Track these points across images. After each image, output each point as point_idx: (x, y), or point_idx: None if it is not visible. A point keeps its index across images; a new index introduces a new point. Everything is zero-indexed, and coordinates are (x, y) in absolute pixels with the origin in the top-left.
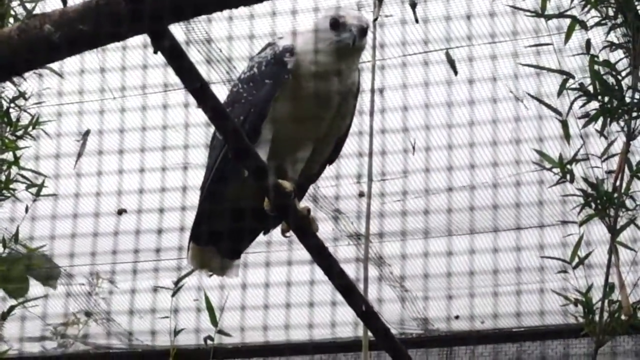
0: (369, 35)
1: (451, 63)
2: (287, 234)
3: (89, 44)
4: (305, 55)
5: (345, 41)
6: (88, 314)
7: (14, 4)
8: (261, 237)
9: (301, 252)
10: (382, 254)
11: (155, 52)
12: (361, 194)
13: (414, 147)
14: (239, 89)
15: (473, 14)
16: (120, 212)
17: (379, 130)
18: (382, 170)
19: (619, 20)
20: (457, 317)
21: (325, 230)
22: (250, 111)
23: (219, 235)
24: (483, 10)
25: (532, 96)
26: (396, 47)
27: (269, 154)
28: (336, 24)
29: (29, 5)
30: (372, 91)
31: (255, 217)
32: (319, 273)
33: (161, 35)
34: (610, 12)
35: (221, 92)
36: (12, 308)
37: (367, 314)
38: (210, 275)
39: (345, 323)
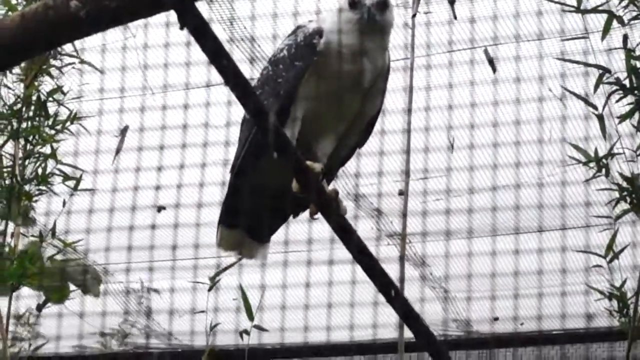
0: (396, 18)
1: (490, 61)
2: (315, 216)
3: (114, 20)
4: (332, 37)
5: (363, 17)
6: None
7: None
8: (303, 236)
9: (343, 252)
10: (423, 254)
11: (181, 29)
12: (400, 193)
13: (452, 145)
14: (269, 72)
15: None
16: (160, 209)
17: (421, 128)
18: (424, 167)
19: None
20: (496, 319)
21: (365, 229)
22: (279, 93)
23: (248, 218)
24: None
25: (568, 91)
26: (438, 47)
27: (298, 135)
28: (353, 3)
29: None
30: (411, 89)
31: (283, 199)
32: (361, 273)
33: (187, 11)
34: None
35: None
36: (46, 301)
37: (399, 301)
38: (240, 258)
39: (386, 324)
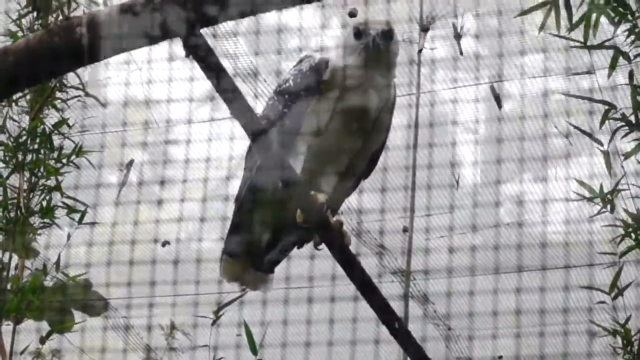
0: (400, 49)
1: (496, 97)
2: (320, 247)
3: (117, 49)
4: (339, 67)
5: (368, 45)
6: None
7: None
8: (306, 272)
9: (346, 287)
10: (426, 292)
11: (187, 56)
12: (405, 230)
13: (457, 182)
14: (275, 102)
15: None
16: (164, 244)
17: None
18: (427, 206)
19: None
20: (500, 358)
21: (369, 266)
22: (285, 123)
23: (252, 248)
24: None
25: (574, 126)
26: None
27: (303, 165)
28: (358, 32)
29: None
30: (416, 125)
31: (287, 230)
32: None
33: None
34: None
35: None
36: (50, 333)
37: (402, 334)
38: (244, 289)
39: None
